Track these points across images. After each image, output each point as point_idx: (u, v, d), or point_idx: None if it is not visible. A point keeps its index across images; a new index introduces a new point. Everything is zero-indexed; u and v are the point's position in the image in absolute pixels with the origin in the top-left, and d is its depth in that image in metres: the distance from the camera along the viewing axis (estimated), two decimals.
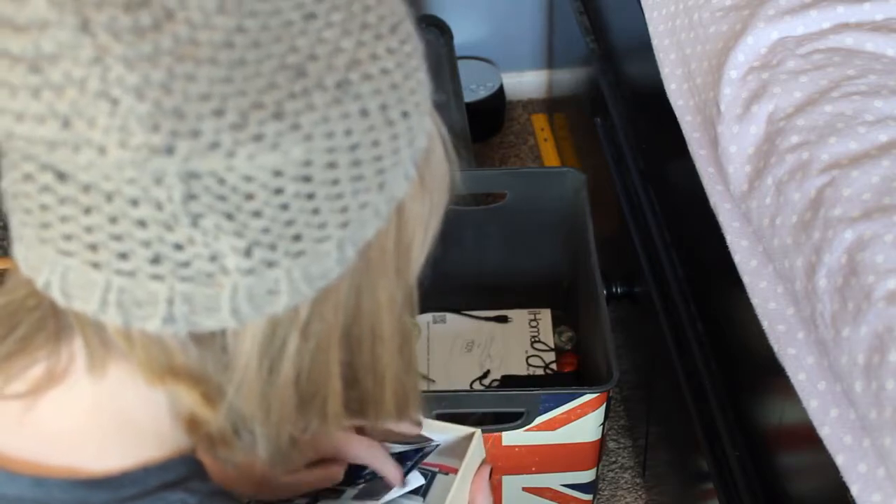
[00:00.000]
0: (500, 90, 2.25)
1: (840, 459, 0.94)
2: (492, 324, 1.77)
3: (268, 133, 0.47)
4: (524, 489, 1.48)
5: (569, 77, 2.07)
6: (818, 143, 1.06)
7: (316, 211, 0.49)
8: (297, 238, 0.49)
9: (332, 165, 0.49)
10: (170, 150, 0.45)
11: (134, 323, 0.50)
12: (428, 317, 1.77)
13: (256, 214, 0.48)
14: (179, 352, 0.51)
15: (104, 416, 0.56)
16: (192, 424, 0.56)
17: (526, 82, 2.35)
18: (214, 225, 0.47)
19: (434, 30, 2.04)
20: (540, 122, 2.32)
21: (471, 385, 1.68)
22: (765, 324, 1.06)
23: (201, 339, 0.51)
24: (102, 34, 0.45)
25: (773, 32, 1.19)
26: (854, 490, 0.91)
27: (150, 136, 0.45)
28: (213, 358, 0.52)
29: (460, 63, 2.01)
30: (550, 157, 2.23)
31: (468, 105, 1.97)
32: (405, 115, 0.51)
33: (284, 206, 0.48)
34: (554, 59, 2.27)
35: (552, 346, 1.73)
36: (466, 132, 1.87)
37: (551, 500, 1.50)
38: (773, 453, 1.16)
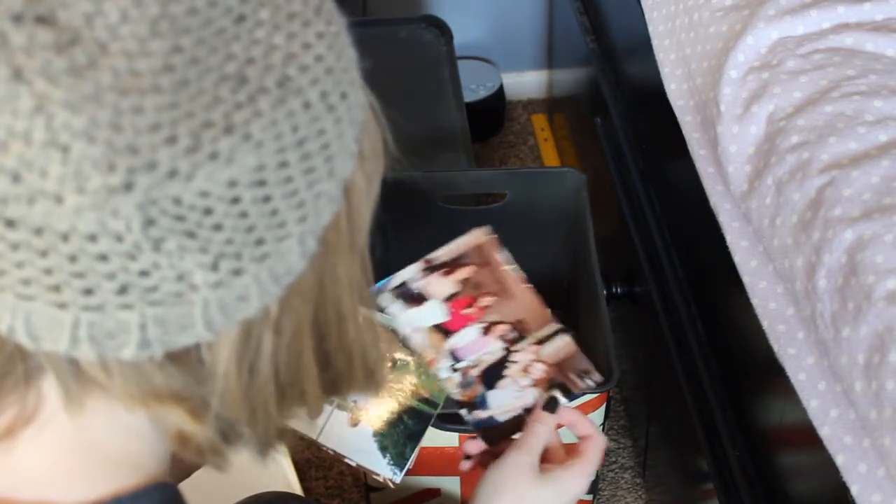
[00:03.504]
0: (500, 90, 2.25)
1: (840, 459, 0.93)
2: None
3: (222, 149, 0.46)
4: None
5: (569, 77, 2.07)
6: (818, 143, 1.06)
7: (274, 212, 0.49)
8: (259, 242, 0.49)
9: (283, 165, 0.48)
10: (129, 187, 0.45)
11: (108, 354, 0.49)
12: None
13: (217, 228, 0.47)
14: (158, 373, 0.51)
15: (75, 451, 0.56)
16: (181, 440, 0.56)
17: (526, 82, 2.35)
18: (178, 246, 0.47)
19: (434, 30, 2.04)
20: (540, 122, 2.32)
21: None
22: (765, 324, 1.06)
23: (177, 357, 0.51)
24: (39, 81, 0.43)
25: (773, 32, 1.19)
26: (854, 490, 0.91)
27: (107, 178, 0.44)
28: (192, 372, 0.52)
29: (460, 63, 2.01)
30: (550, 157, 2.23)
31: (468, 105, 1.96)
32: (344, 96, 0.51)
33: (244, 214, 0.48)
34: (554, 59, 2.27)
35: None
36: (466, 132, 1.87)
37: None
38: (773, 453, 1.16)
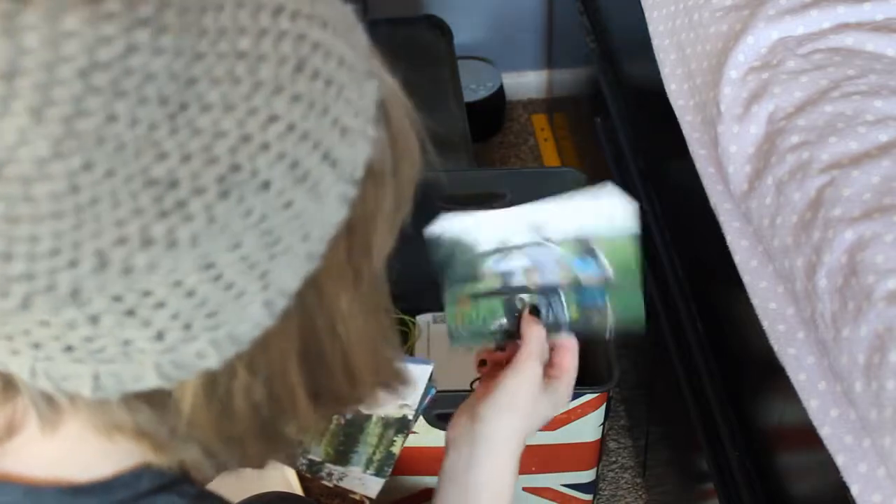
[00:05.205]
0: (500, 90, 2.25)
1: (840, 459, 0.93)
2: None
3: (137, 264, 0.42)
4: (524, 489, 1.48)
5: (569, 77, 2.07)
6: (818, 143, 1.06)
7: (229, 286, 0.45)
8: (212, 314, 0.46)
9: (236, 246, 0.44)
10: (26, 307, 0.43)
11: (66, 390, 0.48)
12: (428, 317, 1.77)
13: (160, 306, 0.44)
14: (123, 408, 0.49)
15: (83, 445, 0.55)
16: (146, 465, 0.55)
17: (526, 82, 2.35)
18: (115, 322, 0.44)
19: (434, 30, 2.04)
20: (540, 122, 2.32)
21: (471, 385, 1.68)
22: (765, 324, 1.06)
23: (143, 394, 0.49)
24: None
25: (773, 32, 1.19)
26: (854, 490, 0.91)
27: (1, 303, 0.43)
28: (160, 405, 0.50)
29: (460, 63, 2.01)
30: (550, 157, 2.23)
31: (468, 105, 1.96)
32: (326, 156, 0.46)
33: (190, 293, 0.44)
34: (554, 59, 2.27)
35: None
36: (466, 132, 1.87)
37: (551, 500, 1.50)
38: (773, 453, 1.16)
